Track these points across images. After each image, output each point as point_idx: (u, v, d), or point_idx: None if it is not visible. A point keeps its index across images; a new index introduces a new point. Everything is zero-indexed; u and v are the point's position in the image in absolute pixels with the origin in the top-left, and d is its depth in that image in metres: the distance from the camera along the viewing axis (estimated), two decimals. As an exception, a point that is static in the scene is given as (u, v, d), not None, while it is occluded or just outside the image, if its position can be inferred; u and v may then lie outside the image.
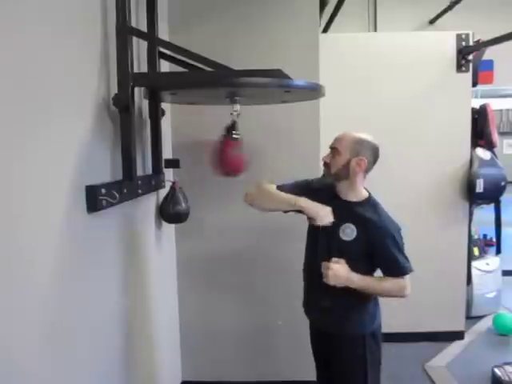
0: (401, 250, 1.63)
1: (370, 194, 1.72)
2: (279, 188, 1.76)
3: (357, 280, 1.59)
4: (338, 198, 1.69)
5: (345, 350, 1.71)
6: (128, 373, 1.68)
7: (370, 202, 1.68)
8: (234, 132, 1.83)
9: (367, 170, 1.66)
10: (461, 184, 3.13)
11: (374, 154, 1.65)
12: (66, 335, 1.18)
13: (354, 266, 1.60)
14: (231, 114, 1.77)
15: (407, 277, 1.63)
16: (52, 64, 1.13)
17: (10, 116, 0.94)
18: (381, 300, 1.78)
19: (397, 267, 1.62)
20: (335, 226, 1.64)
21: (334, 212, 1.65)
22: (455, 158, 3.13)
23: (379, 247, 1.61)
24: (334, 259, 1.59)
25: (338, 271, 1.57)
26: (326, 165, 1.69)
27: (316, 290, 1.74)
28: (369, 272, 1.66)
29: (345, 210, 1.65)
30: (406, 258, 1.64)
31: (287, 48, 2.29)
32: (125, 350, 1.65)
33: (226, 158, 1.87)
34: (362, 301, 1.69)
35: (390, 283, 1.63)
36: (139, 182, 1.69)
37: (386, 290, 1.64)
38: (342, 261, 1.59)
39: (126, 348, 1.65)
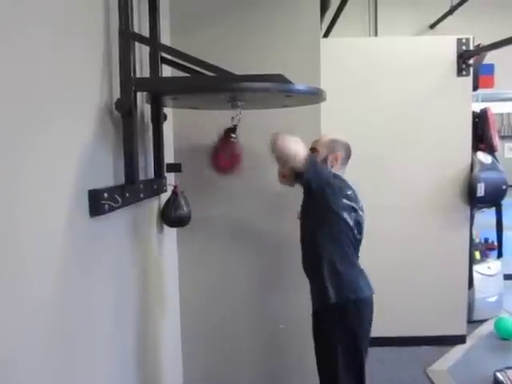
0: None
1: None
2: None
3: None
4: None
5: (313, 323, 1.89)
6: (129, 375, 1.68)
7: None
8: (232, 135, 2.13)
9: (343, 164, 1.95)
10: (461, 188, 3.14)
11: (347, 150, 1.96)
12: (67, 337, 1.18)
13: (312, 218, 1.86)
14: (232, 118, 1.86)
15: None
16: (53, 66, 1.13)
17: (11, 120, 0.95)
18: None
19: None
20: None
21: None
22: (456, 162, 3.14)
23: None
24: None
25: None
26: None
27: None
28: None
29: None
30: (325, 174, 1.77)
31: (289, 50, 2.30)
32: (126, 353, 1.65)
33: (222, 157, 2.23)
34: (327, 274, 1.80)
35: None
36: (141, 186, 1.69)
37: (298, 153, 1.72)
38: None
39: (127, 351, 1.66)
